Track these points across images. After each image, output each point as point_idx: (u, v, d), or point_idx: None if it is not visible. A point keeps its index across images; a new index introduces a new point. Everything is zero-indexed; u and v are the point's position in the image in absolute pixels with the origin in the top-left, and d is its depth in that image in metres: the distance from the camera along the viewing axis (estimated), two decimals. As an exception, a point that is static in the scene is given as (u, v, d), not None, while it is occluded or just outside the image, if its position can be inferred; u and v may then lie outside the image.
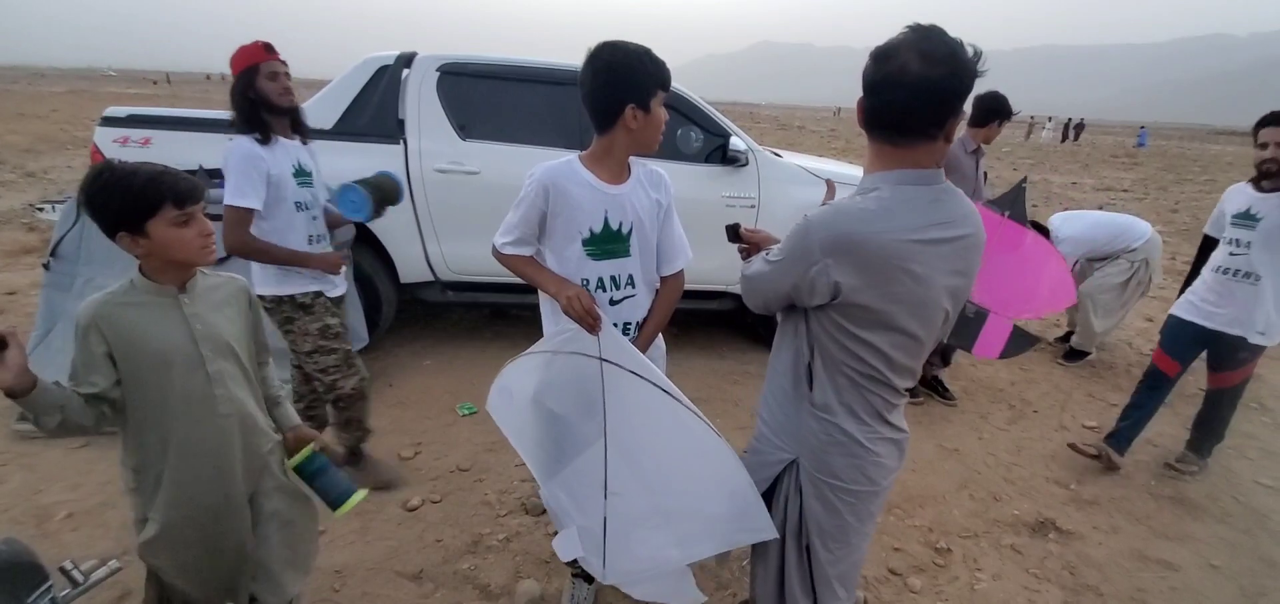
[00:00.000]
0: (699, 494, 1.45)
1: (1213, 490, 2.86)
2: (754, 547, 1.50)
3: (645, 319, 1.66)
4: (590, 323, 1.45)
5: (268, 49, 2.04)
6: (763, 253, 1.36)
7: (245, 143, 1.99)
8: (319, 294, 2.17)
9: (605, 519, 1.54)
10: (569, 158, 1.54)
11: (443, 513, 2.37)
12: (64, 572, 1.15)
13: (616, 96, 1.44)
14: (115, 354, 1.22)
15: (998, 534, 2.48)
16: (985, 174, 3.48)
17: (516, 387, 1.67)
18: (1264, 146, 2.62)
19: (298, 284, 2.13)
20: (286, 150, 2.09)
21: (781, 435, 1.37)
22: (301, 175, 2.12)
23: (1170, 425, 3.46)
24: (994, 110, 3.30)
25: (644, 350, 1.57)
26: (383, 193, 2.27)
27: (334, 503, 1.45)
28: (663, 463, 1.47)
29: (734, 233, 1.53)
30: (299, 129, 2.17)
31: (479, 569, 2.11)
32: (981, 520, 2.56)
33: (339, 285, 2.27)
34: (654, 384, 1.40)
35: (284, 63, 2.07)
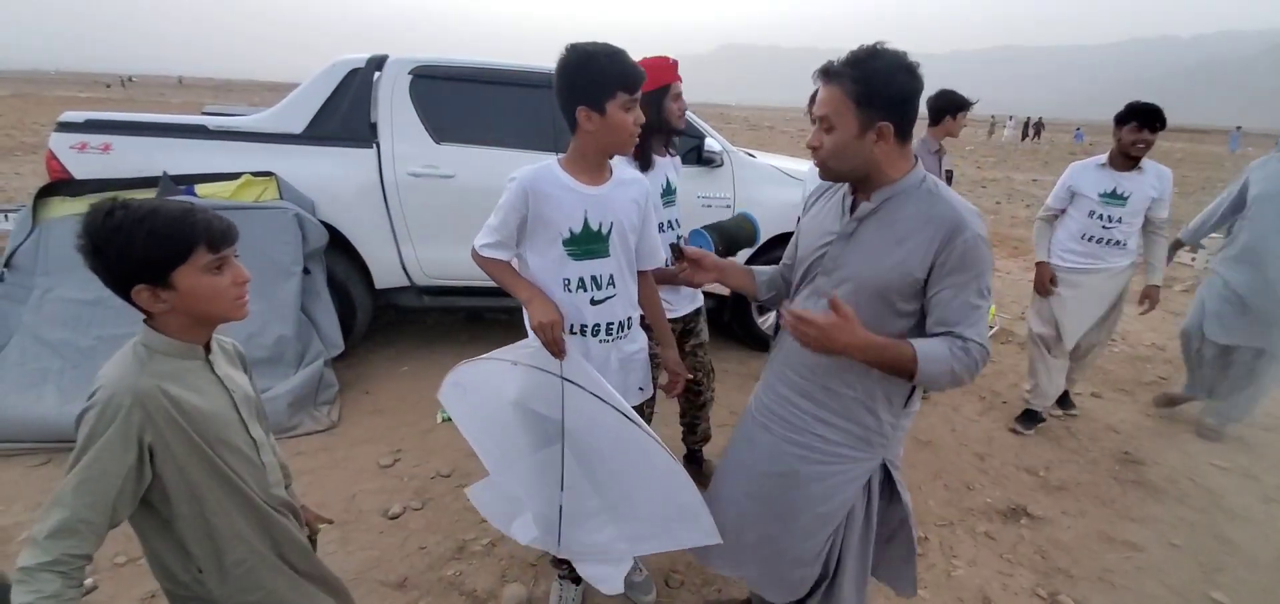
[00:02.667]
0: (650, 504, 1.54)
1: (1171, 473, 2.99)
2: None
3: (656, 339, 1.80)
4: (555, 352, 1.47)
5: (673, 69, 1.98)
6: (963, 321, 1.23)
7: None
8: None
9: (561, 507, 1.62)
10: (549, 162, 1.55)
11: (425, 520, 2.35)
12: None
13: (571, 99, 1.45)
14: (159, 449, 1.01)
15: (972, 522, 2.55)
16: (950, 173, 3.57)
17: (471, 384, 1.69)
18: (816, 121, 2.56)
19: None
20: (659, 169, 2.03)
21: (861, 448, 1.42)
22: (667, 193, 2.06)
23: (1130, 412, 3.61)
24: (943, 107, 3.36)
25: (667, 350, 1.78)
26: (731, 236, 2.05)
27: None
28: (617, 474, 1.54)
29: (678, 252, 1.54)
30: (669, 144, 2.11)
31: (464, 575, 2.09)
32: (956, 509, 2.63)
33: (682, 304, 2.22)
34: (612, 407, 1.44)
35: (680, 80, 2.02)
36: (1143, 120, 2.87)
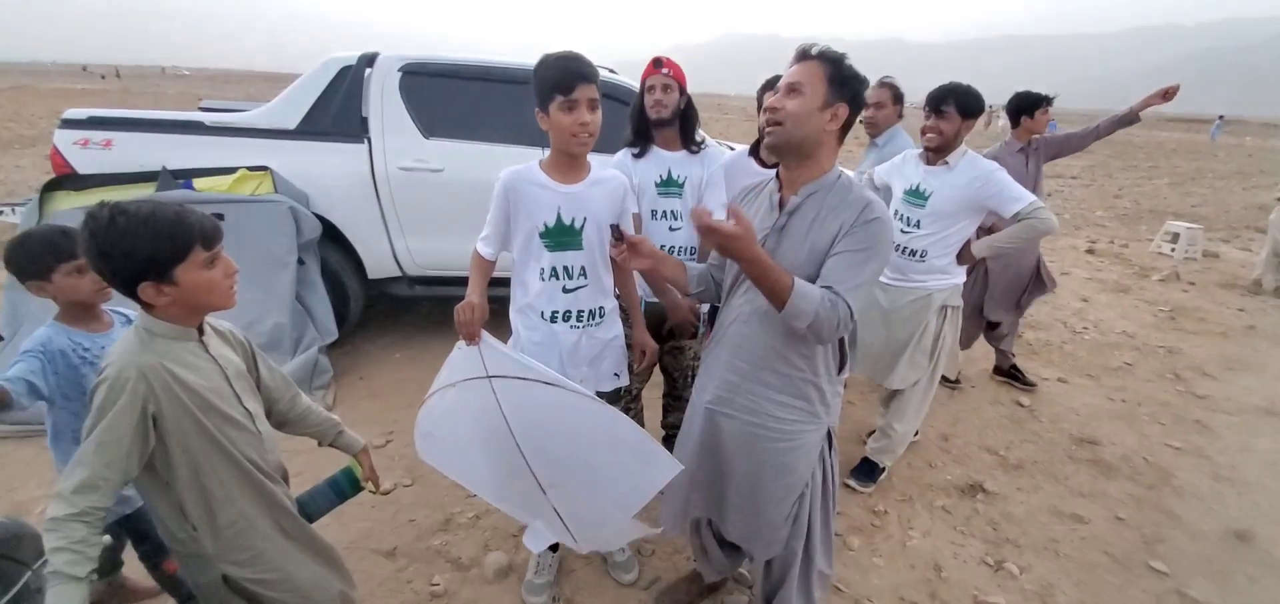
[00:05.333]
0: (610, 460, 1.60)
1: (1126, 453, 3.15)
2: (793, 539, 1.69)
3: (628, 320, 1.92)
4: (465, 336, 1.56)
5: (655, 64, 2.16)
6: (842, 281, 1.36)
7: (621, 155, 2.20)
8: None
9: (555, 508, 1.71)
10: (532, 163, 1.70)
11: (415, 495, 2.50)
12: None
13: (536, 104, 1.61)
14: (161, 417, 1.14)
15: (931, 497, 2.71)
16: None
17: (438, 430, 1.75)
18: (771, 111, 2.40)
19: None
20: (658, 161, 2.18)
21: (811, 420, 1.57)
22: (666, 185, 2.18)
23: (1093, 396, 3.76)
24: (1021, 107, 3.52)
25: (636, 329, 1.91)
26: None
27: (323, 508, 1.57)
28: (574, 448, 1.62)
29: (617, 235, 1.59)
30: (686, 141, 2.21)
31: (450, 545, 2.25)
32: (917, 485, 2.79)
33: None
34: (539, 381, 1.54)
35: (665, 74, 2.14)
36: (931, 104, 2.45)
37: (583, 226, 1.69)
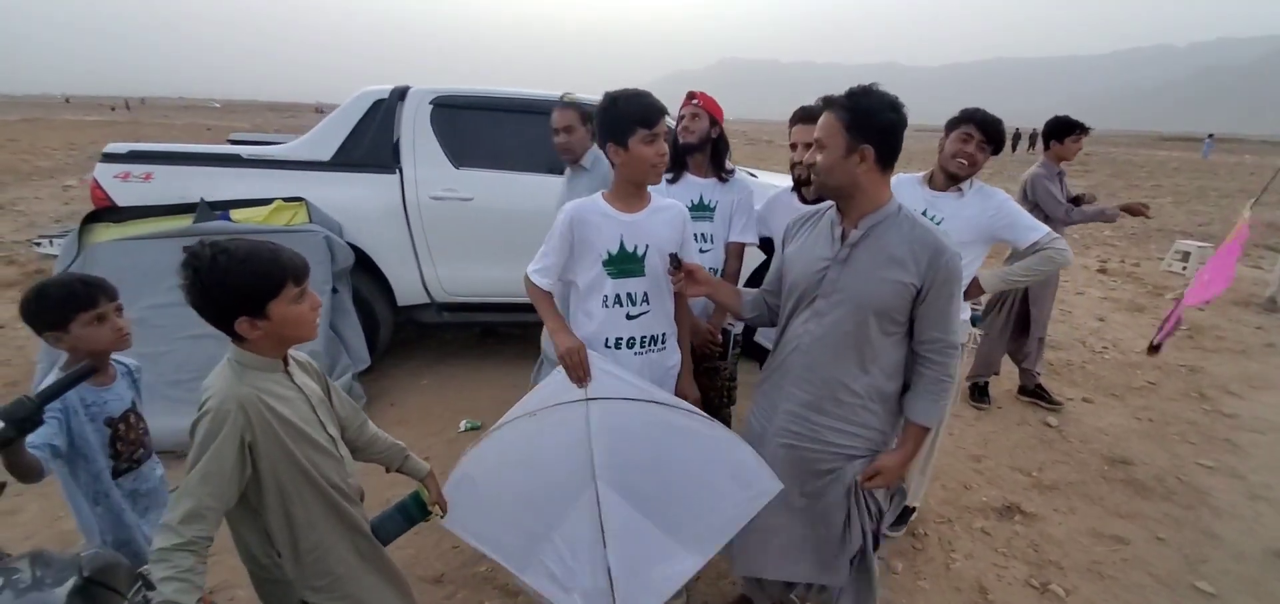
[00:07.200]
0: (705, 488, 1.59)
1: (1159, 472, 3.14)
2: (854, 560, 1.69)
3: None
4: (581, 376, 1.63)
5: (689, 97, 2.31)
6: (947, 325, 1.48)
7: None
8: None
9: (609, 568, 1.54)
10: (595, 195, 1.76)
11: (455, 522, 2.50)
12: (143, 575, 1.28)
13: (603, 138, 1.68)
14: (256, 446, 1.18)
15: (969, 519, 2.70)
16: (1080, 197, 3.70)
17: (482, 470, 1.65)
18: (794, 148, 2.23)
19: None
20: (690, 186, 2.30)
21: (871, 447, 1.60)
22: (698, 209, 2.28)
23: (1120, 416, 3.76)
24: (1052, 132, 3.60)
25: (684, 375, 1.88)
26: None
27: (393, 533, 1.61)
28: (665, 475, 1.59)
29: (676, 263, 1.67)
30: (717, 168, 2.32)
31: (496, 571, 2.24)
32: (954, 507, 2.78)
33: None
34: (643, 400, 1.56)
35: (696, 104, 2.27)
36: (981, 129, 2.20)
37: (645, 254, 1.73)
